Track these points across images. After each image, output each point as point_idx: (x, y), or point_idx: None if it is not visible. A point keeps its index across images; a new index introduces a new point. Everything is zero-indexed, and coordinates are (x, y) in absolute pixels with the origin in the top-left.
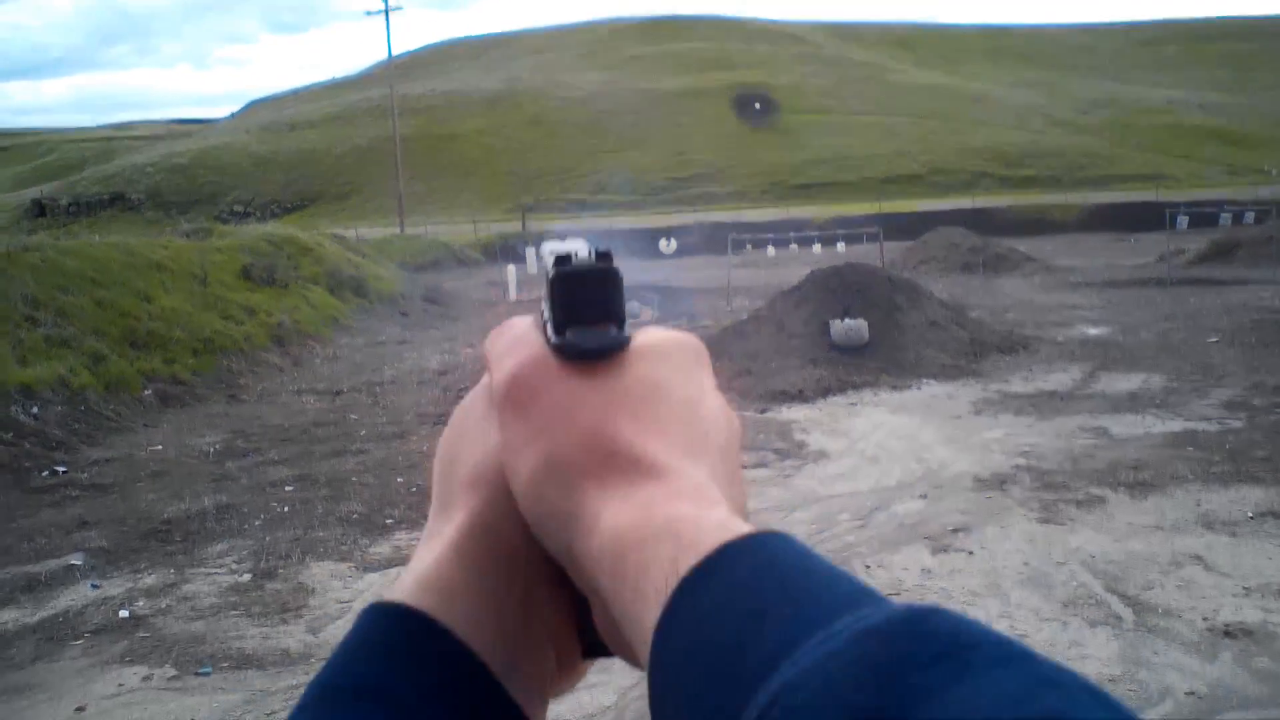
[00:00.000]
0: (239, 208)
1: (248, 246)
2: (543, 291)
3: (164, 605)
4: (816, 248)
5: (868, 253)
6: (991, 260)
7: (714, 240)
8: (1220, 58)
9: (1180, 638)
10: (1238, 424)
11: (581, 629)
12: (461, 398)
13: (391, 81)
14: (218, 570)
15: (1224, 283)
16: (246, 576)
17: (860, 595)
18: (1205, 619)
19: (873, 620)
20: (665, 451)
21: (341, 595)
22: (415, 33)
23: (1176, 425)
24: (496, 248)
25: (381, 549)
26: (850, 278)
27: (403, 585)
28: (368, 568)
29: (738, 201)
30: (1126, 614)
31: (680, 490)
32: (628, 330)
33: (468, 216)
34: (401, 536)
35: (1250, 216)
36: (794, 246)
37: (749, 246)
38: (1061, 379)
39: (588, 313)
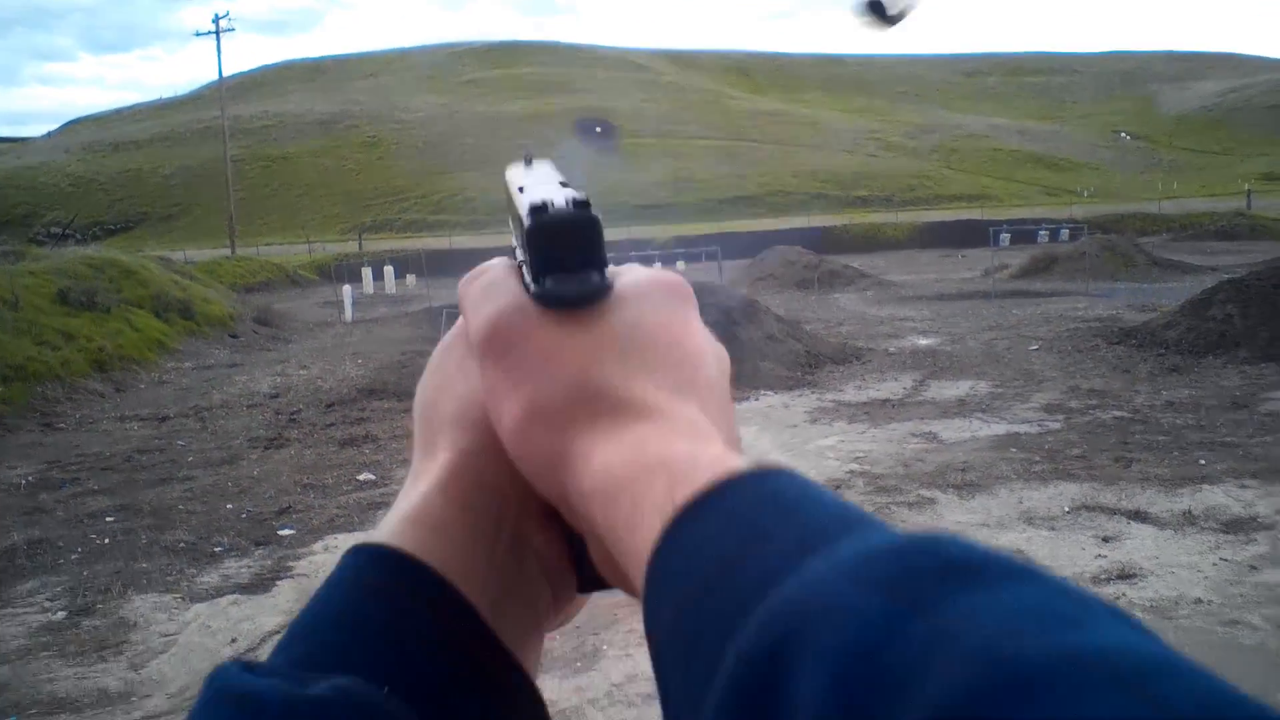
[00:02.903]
0: (56, 229)
1: (65, 269)
2: (517, 238)
3: None
4: (657, 265)
5: (707, 271)
6: (826, 277)
7: None
8: (1036, 89)
9: None
10: (1056, 425)
11: (577, 563)
12: (294, 419)
13: (223, 102)
14: (27, 610)
15: (1043, 295)
16: (60, 614)
17: (867, 521)
18: None
19: (881, 539)
20: (654, 392)
21: (167, 628)
22: (247, 55)
23: (1000, 428)
24: (332, 268)
25: (210, 578)
26: None
27: (387, 524)
28: (195, 597)
29: None
30: None
31: (673, 428)
32: (609, 275)
33: (302, 238)
34: (231, 564)
35: (1065, 233)
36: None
37: None
38: (893, 387)
39: (567, 260)
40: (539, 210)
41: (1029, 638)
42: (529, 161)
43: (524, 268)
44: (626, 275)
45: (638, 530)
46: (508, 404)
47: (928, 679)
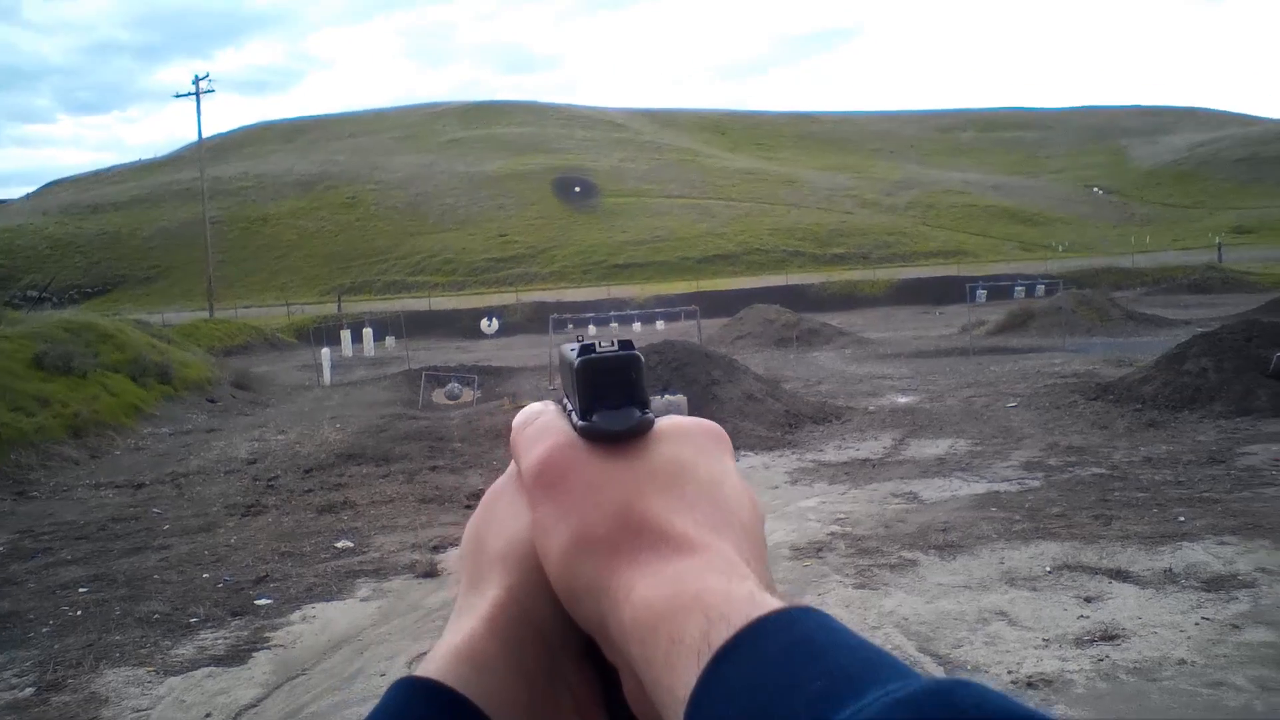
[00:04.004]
0: (34, 293)
1: (41, 333)
2: (567, 380)
3: None
4: (636, 326)
5: (686, 330)
6: (805, 335)
7: (536, 320)
8: (1010, 144)
9: None
10: (1035, 483)
11: (608, 702)
12: (272, 486)
13: (202, 163)
14: None
15: (1020, 350)
16: (28, 691)
17: (890, 669)
18: (1010, 672)
19: (900, 694)
20: (694, 528)
21: (139, 703)
22: (226, 116)
23: (980, 487)
24: (310, 331)
25: (185, 650)
26: (669, 354)
27: (435, 658)
28: (169, 671)
29: (559, 281)
30: (938, 673)
31: (710, 564)
32: (651, 413)
33: (281, 300)
34: (207, 635)
35: (1041, 289)
36: (614, 325)
37: (570, 325)
38: (873, 446)
39: (612, 397)
40: (587, 350)
41: None
42: (581, 340)
43: (571, 412)
44: (668, 418)
45: (675, 670)
46: (555, 534)
47: None
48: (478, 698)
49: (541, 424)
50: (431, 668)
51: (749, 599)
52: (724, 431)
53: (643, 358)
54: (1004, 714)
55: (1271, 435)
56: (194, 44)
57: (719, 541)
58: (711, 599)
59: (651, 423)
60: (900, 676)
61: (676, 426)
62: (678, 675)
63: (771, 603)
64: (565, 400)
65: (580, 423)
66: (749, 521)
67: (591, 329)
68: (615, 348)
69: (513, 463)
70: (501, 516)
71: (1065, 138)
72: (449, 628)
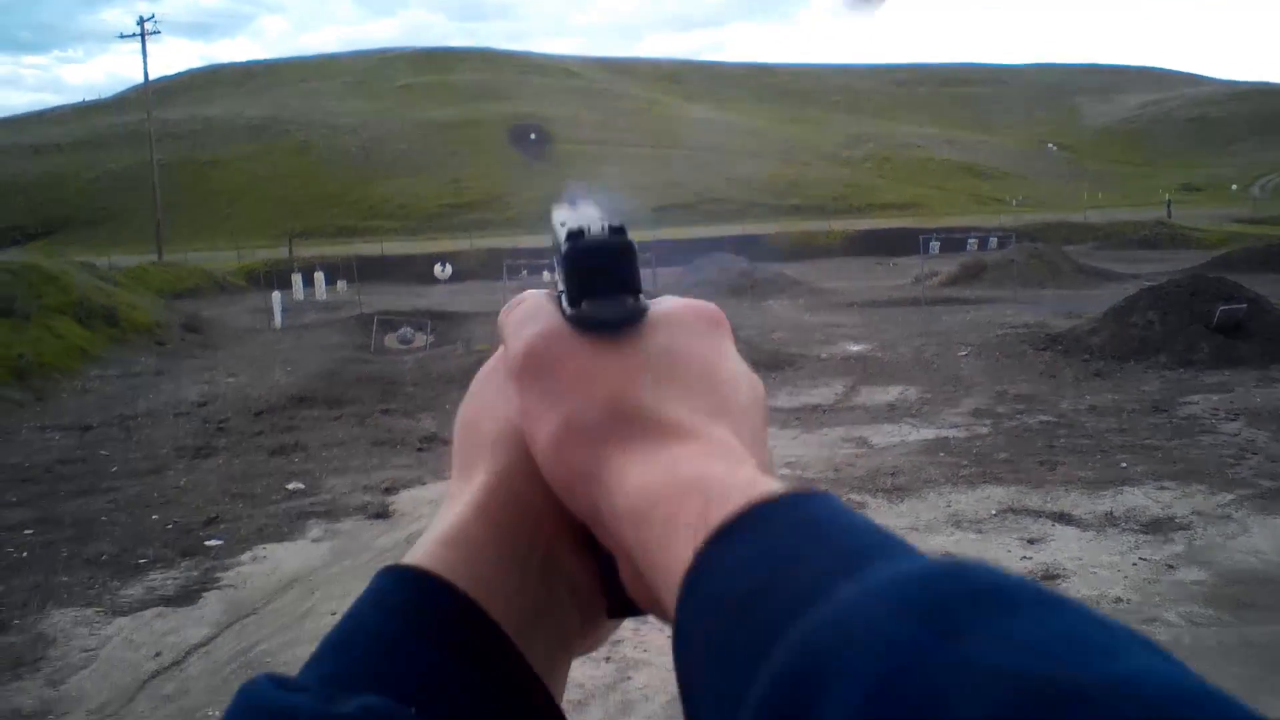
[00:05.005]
0: None
1: None
2: (555, 265)
3: None
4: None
5: (642, 279)
6: (760, 284)
7: (490, 266)
8: (965, 99)
9: None
10: (984, 430)
11: (608, 588)
12: (222, 428)
13: (149, 105)
14: None
15: (972, 301)
16: None
17: (899, 547)
18: None
19: (913, 566)
20: (688, 414)
21: (88, 643)
22: (173, 59)
23: (930, 433)
24: (261, 275)
25: (134, 590)
26: None
27: (422, 545)
28: (118, 611)
29: (514, 229)
30: None
31: (708, 451)
32: (644, 301)
33: (231, 244)
34: (156, 576)
35: (994, 241)
36: None
37: (525, 272)
38: (825, 393)
39: (603, 285)
40: (576, 235)
41: (1061, 664)
42: (574, 202)
43: (561, 296)
44: (662, 302)
45: (671, 549)
46: (543, 422)
47: (958, 704)
48: (466, 584)
49: (530, 306)
50: (417, 554)
51: (750, 482)
52: (720, 312)
53: (635, 243)
54: (1021, 586)
55: (1211, 386)
56: None
57: (716, 428)
58: (709, 482)
59: (644, 311)
60: (909, 554)
61: (669, 312)
62: (674, 554)
63: (774, 484)
64: (557, 282)
65: (569, 311)
66: (747, 404)
67: (546, 276)
68: (605, 233)
69: (501, 347)
70: (491, 399)
71: (1020, 94)
72: (437, 516)
